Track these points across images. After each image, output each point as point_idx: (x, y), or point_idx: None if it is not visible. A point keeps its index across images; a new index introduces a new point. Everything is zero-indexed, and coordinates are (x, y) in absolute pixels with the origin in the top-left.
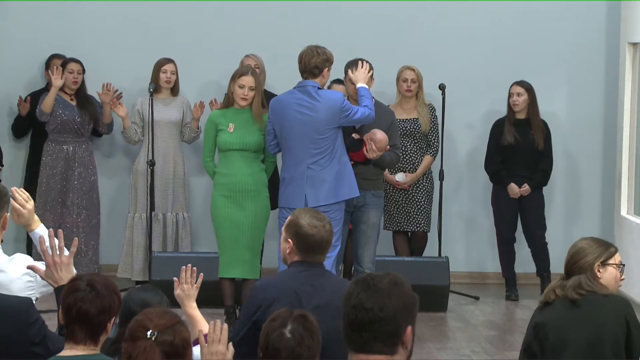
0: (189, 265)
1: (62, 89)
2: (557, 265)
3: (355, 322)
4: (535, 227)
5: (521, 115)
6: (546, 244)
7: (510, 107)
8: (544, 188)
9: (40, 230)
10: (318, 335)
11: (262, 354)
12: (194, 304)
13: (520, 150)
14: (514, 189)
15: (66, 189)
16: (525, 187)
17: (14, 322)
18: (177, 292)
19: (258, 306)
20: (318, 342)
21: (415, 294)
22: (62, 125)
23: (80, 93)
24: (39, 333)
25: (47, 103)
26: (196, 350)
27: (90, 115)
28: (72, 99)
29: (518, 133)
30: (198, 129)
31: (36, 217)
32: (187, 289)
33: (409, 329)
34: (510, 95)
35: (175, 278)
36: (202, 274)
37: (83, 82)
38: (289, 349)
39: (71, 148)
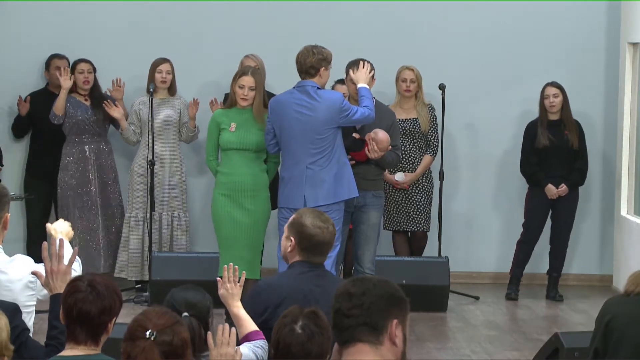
0: (231, 264)
1: (75, 90)
2: (566, 267)
3: (340, 311)
4: (565, 227)
5: (555, 116)
6: (567, 245)
7: (544, 109)
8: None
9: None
10: (329, 332)
11: (274, 350)
12: (239, 303)
13: (555, 152)
14: (552, 190)
15: (87, 190)
16: (563, 188)
17: None
18: (221, 291)
19: (266, 306)
20: (329, 339)
21: (406, 296)
22: (77, 126)
23: (94, 92)
24: (17, 340)
25: (58, 105)
26: (243, 349)
27: (105, 114)
28: (86, 99)
29: (552, 134)
30: (195, 128)
31: (58, 232)
32: (230, 287)
33: (395, 322)
34: (545, 97)
35: (218, 277)
36: (244, 271)
37: (96, 81)
38: (299, 344)
39: (90, 148)
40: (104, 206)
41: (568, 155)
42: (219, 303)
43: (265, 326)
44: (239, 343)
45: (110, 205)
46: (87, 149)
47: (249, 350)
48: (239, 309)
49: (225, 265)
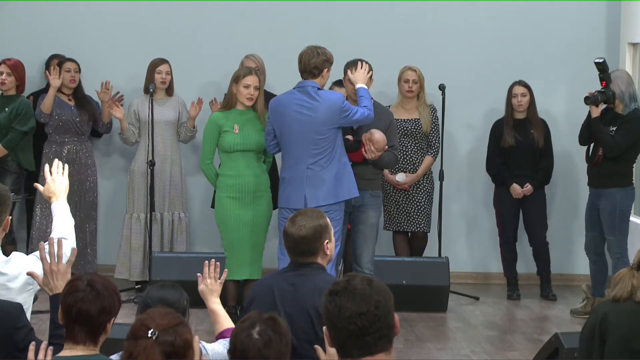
0: (213, 260)
1: (59, 89)
2: (556, 265)
3: (357, 331)
4: (537, 226)
5: (521, 115)
6: (547, 243)
7: (510, 108)
8: (545, 187)
9: (55, 205)
10: (288, 338)
11: (230, 356)
12: (218, 300)
13: (521, 150)
14: (517, 190)
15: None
16: (528, 187)
17: (2, 325)
18: (201, 287)
19: (246, 304)
20: (287, 345)
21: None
22: (61, 126)
23: (78, 93)
24: (24, 339)
25: (47, 104)
26: (217, 345)
27: (89, 114)
28: (70, 99)
29: (518, 133)
30: (194, 128)
31: (58, 192)
32: (210, 283)
33: (396, 316)
34: (513, 96)
35: (198, 273)
36: (226, 269)
37: (80, 81)
38: (256, 349)
39: (71, 148)
40: (81, 207)
41: (534, 154)
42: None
43: None
44: (214, 340)
45: (87, 205)
46: (67, 149)
47: (224, 348)
48: (217, 305)
49: (206, 261)
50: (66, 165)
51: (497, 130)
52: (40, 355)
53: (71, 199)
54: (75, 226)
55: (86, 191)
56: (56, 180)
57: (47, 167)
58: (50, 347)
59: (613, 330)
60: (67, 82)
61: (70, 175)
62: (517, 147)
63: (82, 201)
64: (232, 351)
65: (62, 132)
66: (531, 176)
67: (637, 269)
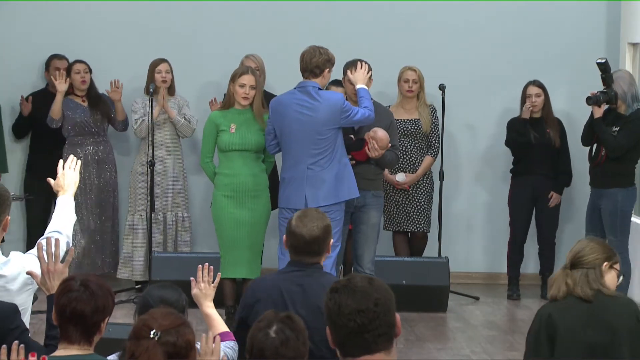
0: (206, 264)
1: (73, 92)
2: (558, 265)
3: (356, 328)
4: (549, 226)
5: (536, 115)
6: (555, 244)
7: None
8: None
9: (60, 199)
10: (305, 336)
11: (248, 355)
12: (211, 304)
13: (537, 149)
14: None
15: (86, 191)
16: (553, 197)
17: None
18: (194, 291)
19: (246, 304)
20: (304, 344)
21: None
22: (76, 128)
23: (91, 93)
24: (18, 341)
25: (55, 109)
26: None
27: (103, 113)
28: (83, 101)
29: (535, 132)
30: (176, 119)
31: (66, 186)
32: (204, 287)
33: (398, 317)
34: (528, 96)
35: (192, 278)
36: (219, 273)
37: (92, 81)
38: (273, 348)
39: (89, 149)
40: (102, 206)
41: (551, 153)
42: (220, 304)
43: (242, 323)
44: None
45: (107, 205)
46: (87, 150)
47: (221, 350)
48: (210, 309)
49: (200, 265)
50: (79, 161)
51: (513, 128)
52: (13, 355)
53: (90, 197)
54: (95, 225)
55: (107, 190)
56: (67, 174)
57: (61, 162)
58: (22, 346)
59: (560, 328)
60: (78, 84)
61: (90, 175)
62: (535, 145)
63: (101, 200)
64: (249, 351)
65: (79, 134)
66: (547, 175)
67: (571, 269)
